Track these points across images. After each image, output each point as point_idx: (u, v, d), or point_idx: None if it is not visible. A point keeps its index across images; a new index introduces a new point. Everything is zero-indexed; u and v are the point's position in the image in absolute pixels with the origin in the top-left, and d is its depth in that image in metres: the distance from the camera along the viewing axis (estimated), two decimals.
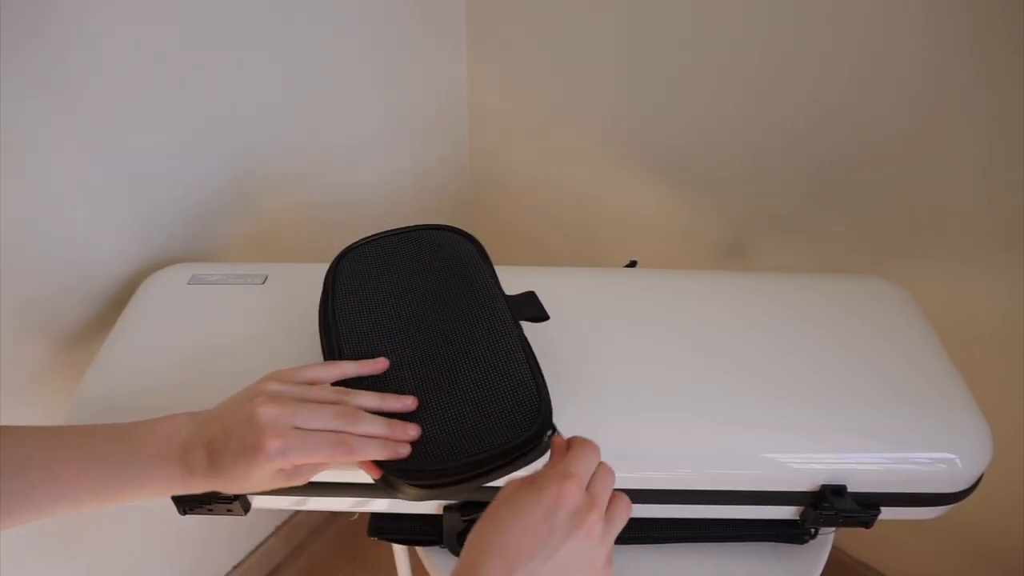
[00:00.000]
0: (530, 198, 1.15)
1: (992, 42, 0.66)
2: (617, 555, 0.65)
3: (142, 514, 0.88)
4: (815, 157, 0.82)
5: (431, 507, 0.62)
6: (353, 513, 0.64)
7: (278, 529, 1.15)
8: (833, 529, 0.64)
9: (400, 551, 0.82)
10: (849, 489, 0.57)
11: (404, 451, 0.49)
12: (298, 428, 0.46)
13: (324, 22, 0.82)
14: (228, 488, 0.48)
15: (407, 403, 0.52)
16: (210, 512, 0.59)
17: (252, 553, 1.12)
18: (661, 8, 0.84)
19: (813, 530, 0.64)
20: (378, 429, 0.49)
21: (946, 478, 0.58)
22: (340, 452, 0.47)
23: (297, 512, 1.18)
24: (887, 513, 0.59)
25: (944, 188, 0.75)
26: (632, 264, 0.82)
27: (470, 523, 0.61)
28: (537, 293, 0.61)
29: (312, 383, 0.51)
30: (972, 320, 0.81)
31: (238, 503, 0.58)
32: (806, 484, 0.58)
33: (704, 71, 0.85)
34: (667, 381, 0.60)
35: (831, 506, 0.57)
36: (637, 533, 0.65)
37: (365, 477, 0.58)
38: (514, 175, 1.15)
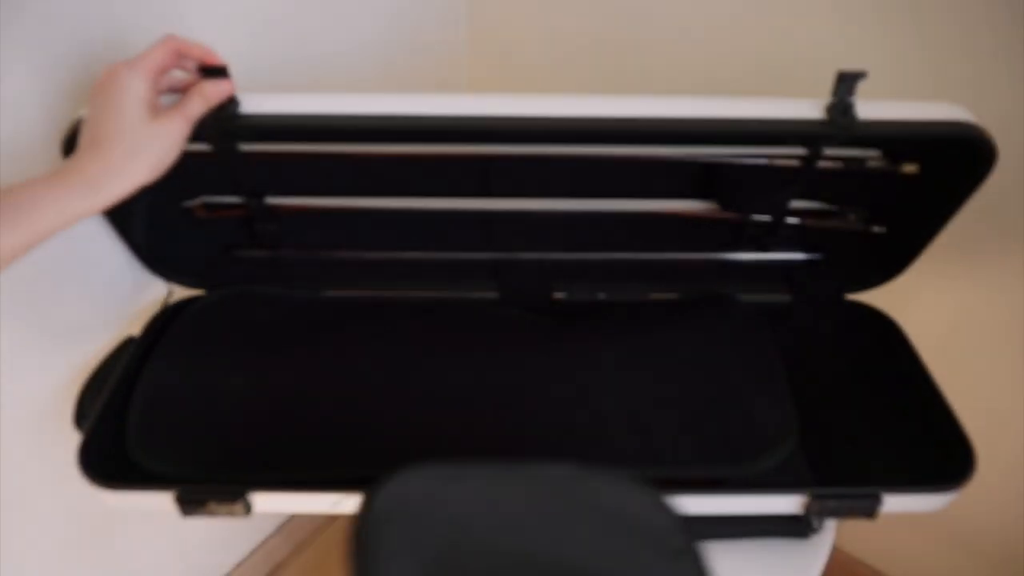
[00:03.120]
0: None
1: (990, 44, 0.66)
2: None
3: (144, 514, 0.88)
4: None
5: None
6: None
7: (280, 528, 1.15)
8: (835, 523, 0.64)
9: None
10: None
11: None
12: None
13: (324, 21, 0.82)
14: (123, 154, 0.49)
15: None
16: (211, 514, 0.58)
17: (253, 552, 1.12)
18: (662, 9, 0.84)
19: (815, 523, 0.65)
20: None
21: None
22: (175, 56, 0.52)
23: None
24: (889, 504, 0.59)
25: None
26: None
27: None
28: None
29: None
30: (972, 319, 0.81)
31: (240, 504, 0.58)
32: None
33: (705, 73, 0.85)
34: None
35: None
36: None
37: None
38: None
